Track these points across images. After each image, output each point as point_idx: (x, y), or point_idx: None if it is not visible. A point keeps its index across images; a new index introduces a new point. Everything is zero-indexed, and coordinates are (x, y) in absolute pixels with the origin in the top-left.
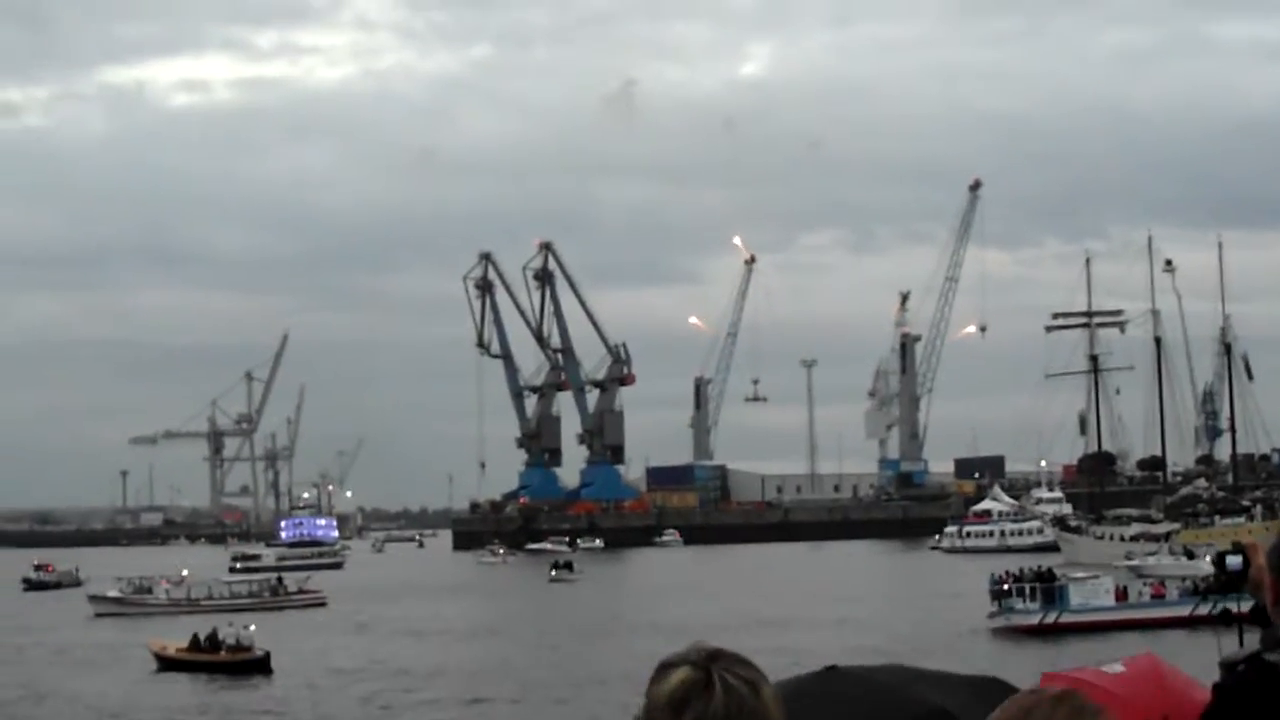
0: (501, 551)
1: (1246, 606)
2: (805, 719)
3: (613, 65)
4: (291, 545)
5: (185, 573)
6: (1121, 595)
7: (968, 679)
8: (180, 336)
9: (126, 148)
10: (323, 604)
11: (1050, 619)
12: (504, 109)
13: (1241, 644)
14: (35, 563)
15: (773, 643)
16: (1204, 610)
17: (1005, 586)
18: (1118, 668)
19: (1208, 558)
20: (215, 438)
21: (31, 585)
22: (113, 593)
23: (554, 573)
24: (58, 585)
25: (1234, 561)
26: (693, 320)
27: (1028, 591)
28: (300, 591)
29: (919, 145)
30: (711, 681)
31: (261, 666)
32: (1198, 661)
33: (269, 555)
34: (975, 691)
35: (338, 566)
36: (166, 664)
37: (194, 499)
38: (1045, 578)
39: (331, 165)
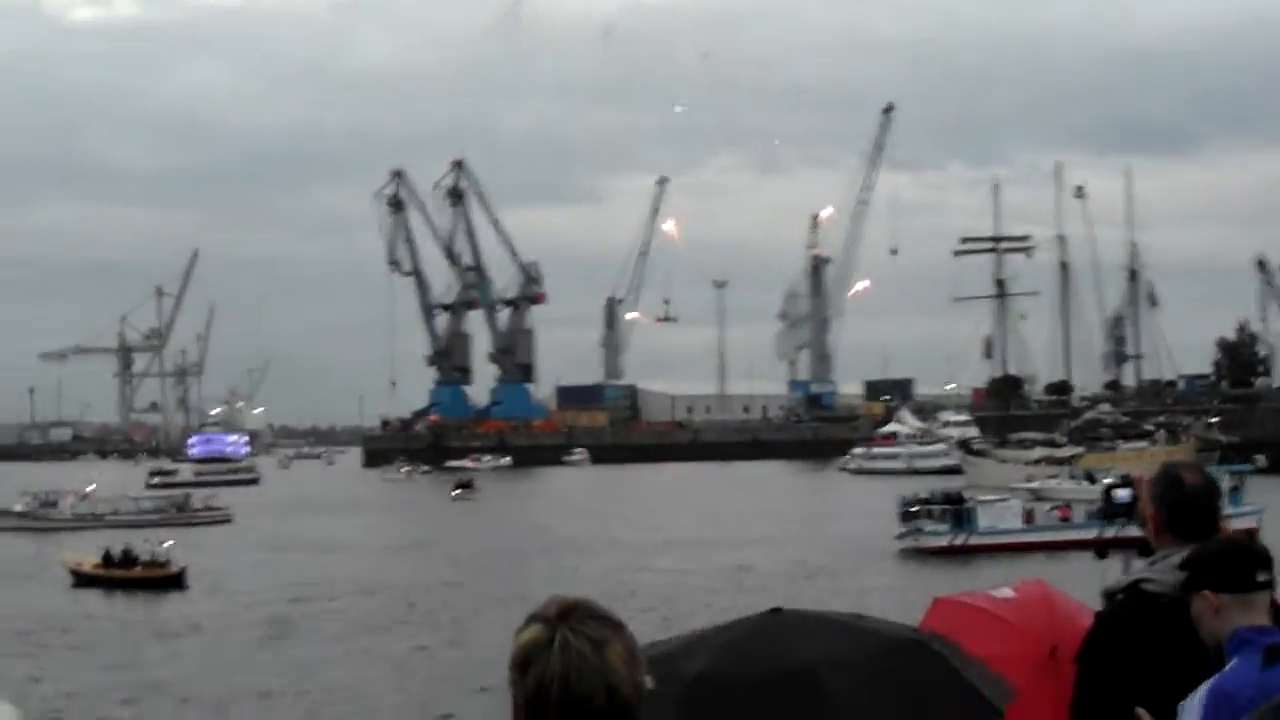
0: (407, 469)
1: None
2: (751, 665)
3: None
4: (202, 461)
5: (91, 488)
6: (1029, 518)
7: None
8: (87, 252)
9: (25, 62)
10: (228, 520)
11: (959, 541)
12: (403, 27)
13: (1125, 573)
14: None
15: (684, 562)
16: (1111, 533)
17: (914, 509)
18: (1008, 593)
19: (1108, 480)
20: (125, 354)
21: None
22: (17, 507)
23: (456, 491)
24: None
25: (1122, 494)
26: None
27: (937, 513)
28: (207, 508)
29: (820, 69)
30: (553, 641)
31: (177, 582)
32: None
33: (186, 471)
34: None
35: (254, 482)
36: (81, 579)
37: (103, 415)
38: (954, 500)
39: (234, 82)
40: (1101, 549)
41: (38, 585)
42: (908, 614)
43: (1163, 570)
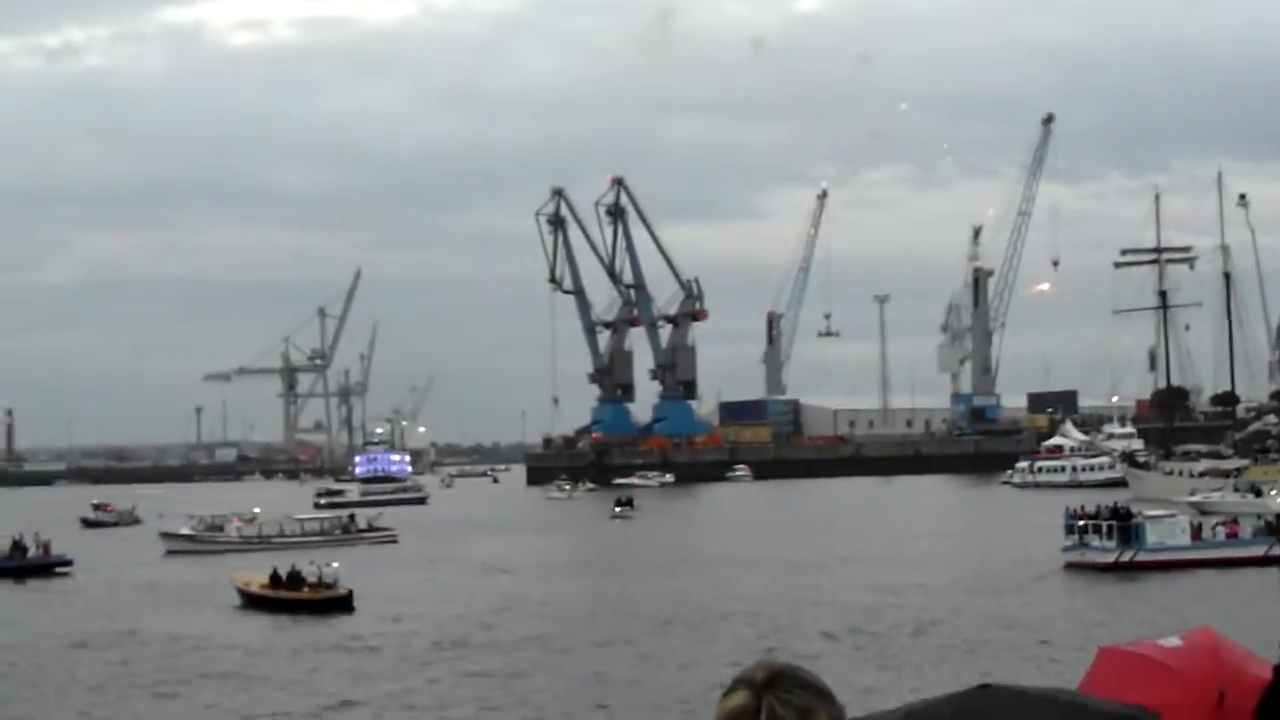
0: (568, 487)
1: None
2: None
3: (670, 2)
4: (366, 480)
5: (257, 510)
6: (1197, 534)
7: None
8: (250, 274)
9: (187, 86)
10: (394, 541)
11: (1126, 557)
12: (560, 46)
13: None
14: (94, 502)
15: (849, 579)
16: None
17: (1081, 522)
18: (1174, 641)
19: (1274, 493)
20: (289, 374)
21: (89, 524)
22: (185, 530)
23: (617, 509)
24: (116, 524)
25: None
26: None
27: (1104, 529)
28: (372, 528)
29: (977, 79)
30: (760, 710)
31: (344, 604)
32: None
33: (354, 490)
34: None
35: (422, 501)
36: (249, 600)
37: (268, 435)
38: (1122, 516)
39: (392, 103)
40: None
41: (206, 607)
42: (1079, 636)
43: None
